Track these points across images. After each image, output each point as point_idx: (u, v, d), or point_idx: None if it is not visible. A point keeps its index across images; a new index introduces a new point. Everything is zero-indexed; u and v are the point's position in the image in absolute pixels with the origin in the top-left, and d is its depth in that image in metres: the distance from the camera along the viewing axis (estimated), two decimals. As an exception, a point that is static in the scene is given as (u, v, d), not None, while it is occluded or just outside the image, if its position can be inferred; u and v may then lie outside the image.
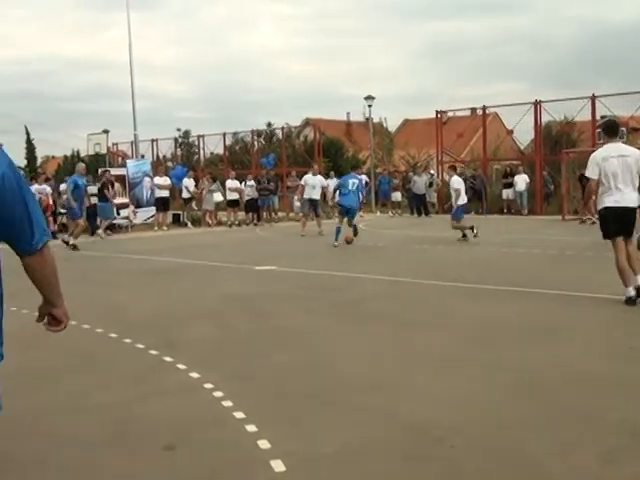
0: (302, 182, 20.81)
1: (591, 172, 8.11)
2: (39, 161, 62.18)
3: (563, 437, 4.06)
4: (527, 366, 5.56)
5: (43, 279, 2.69)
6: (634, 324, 7.11)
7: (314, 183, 19.99)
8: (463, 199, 16.67)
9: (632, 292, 7.82)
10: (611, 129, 8.57)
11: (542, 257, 12.91)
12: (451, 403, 4.72)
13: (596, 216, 10.21)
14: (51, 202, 21.25)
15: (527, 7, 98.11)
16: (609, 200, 8.00)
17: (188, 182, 25.15)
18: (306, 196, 19.96)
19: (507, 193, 26.83)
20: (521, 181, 26.29)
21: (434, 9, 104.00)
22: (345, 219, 16.39)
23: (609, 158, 7.98)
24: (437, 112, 30.62)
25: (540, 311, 7.83)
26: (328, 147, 37.29)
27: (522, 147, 35.32)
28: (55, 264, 2.72)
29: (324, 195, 21.37)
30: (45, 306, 2.81)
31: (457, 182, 16.92)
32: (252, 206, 24.92)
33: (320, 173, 28.56)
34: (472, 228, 16.18)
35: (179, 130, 47.58)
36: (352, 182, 16.79)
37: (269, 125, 45.29)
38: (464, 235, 16.43)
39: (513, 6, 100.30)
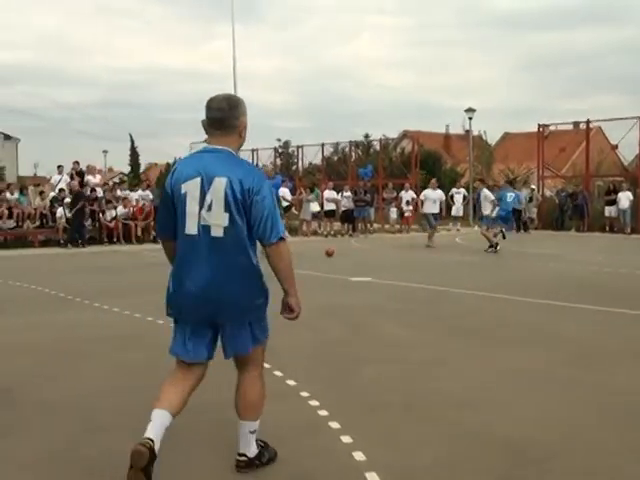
0: (422, 197, 21.01)
1: None
2: (142, 168, 64.10)
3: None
4: (628, 390, 5.41)
5: (276, 268, 3.69)
6: None
7: (435, 197, 20.20)
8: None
9: None
10: None
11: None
12: (548, 424, 4.63)
13: None
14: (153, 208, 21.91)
15: (633, 17, 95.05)
16: None
17: (284, 191, 25.31)
18: (427, 211, 20.14)
19: (610, 210, 26.04)
20: (624, 198, 25.48)
21: (535, 20, 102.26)
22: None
23: None
24: (539, 125, 30.06)
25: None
26: (425, 159, 37.07)
27: (626, 163, 34.27)
28: (290, 260, 3.69)
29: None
30: (284, 296, 3.76)
31: (489, 195, 18.25)
32: (348, 217, 25.07)
33: (416, 186, 28.60)
34: (496, 245, 17.34)
35: (279, 140, 48.34)
36: (509, 195, 18.85)
37: (367, 136, 45.48)
38: (492, 245, 17.39)
39: (618, 17, 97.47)
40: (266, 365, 6.06)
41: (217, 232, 3.55)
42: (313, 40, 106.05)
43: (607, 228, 26.27)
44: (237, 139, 3.72)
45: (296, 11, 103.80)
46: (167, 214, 3.70)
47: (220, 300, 3.58)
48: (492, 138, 49.62)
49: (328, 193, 25.07)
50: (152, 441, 3.41)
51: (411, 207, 26.71)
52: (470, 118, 31.50)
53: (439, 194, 20.69)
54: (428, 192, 20.54)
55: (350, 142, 39.52)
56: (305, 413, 4.84)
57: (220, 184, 3.52)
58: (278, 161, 43.61)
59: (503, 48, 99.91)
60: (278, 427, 4.54)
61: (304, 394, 5.23)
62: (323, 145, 38.02)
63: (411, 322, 8.26)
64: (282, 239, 3.63)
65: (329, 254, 16.46)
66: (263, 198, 3.54)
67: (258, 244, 3.68)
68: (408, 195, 26.74)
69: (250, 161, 38.84)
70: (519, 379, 5.77)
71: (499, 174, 35.68)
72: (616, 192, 26.17)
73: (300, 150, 40.25)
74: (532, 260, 15.75)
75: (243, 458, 3.82)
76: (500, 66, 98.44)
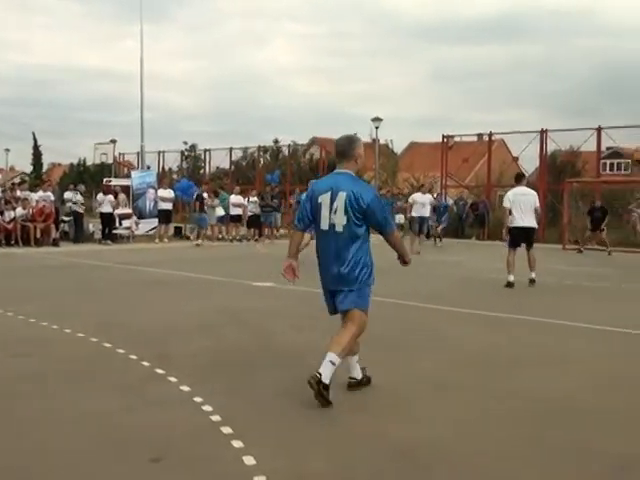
0: (410, 200, 21.00)
1: (505, 204, 12.54)
2: (45, 168, 62.33)
3: (552, 467, 4.04)
4: (523, 394, 5.55)
5: (394, 246, 5.46)
6: (633, 355, 7.08)
7: (424, 201, 20.26)
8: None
9: (511, 278, 12.17)
10: (518, 178, 13.07)
11: (541, 286, 12.89)
12: (447, 427, 4.70)
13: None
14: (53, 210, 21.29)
15: (539, 36, 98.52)
16: (516, 222, 12.21)
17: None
18: (415, 214, 20.19)
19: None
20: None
21: (446, 33, 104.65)
22: None
23: (517, 195, 12.27)
24: (444, 136, 30.74)
25: (542, 340, 7.82)
26: (333, 166, 37.19)
27: (527, 175, 35.35)
28: (400, 239, 5.71)
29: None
30: (399, 257, 5.57)
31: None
32: (254, 222, 24.95)
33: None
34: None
35: (186, 143, 47.71)
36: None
37: (276, 142, 45.49)
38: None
39: (525, 34, 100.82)
40: (160, 371, 6.00)
41: (339, 228, 5.18)
42: (225, 44, 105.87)
43: (507, 237, 26.98)
44: (354, 165, 5.32)
45: (209, 13, 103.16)
46: (305, 215, 5.41)
47: (341, 274, 5.28)
48: (399, 147, 50.49)
49: (234, 198, 24.90)
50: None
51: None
52: (377, 127, 31.91)
53: (428, 197, 20.84)
54: (417, 196, 20.77)
55: (259, 147, 39.47)
56: (197, 419, 4.76)
57: (343, 196, 5.14)
58: (184, 164, 43.14)
59: (413, 59, 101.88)
60: (170, 433, 4.46)
61: (197, 399, 5.15)
62: (231, 149, 37.87)
63: (311, 328, 8.25)
64: (394, 230, 5.46)
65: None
66: (374, 208, 5.18)
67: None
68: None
69: (156, 163, 38.28)
70: (419, 385, 5.85)
71: (404, 182, 36.26)
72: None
73: (208, 154, 39.96)
74: (436, 267, 16.02)
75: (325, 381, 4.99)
76: (409, 76, 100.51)
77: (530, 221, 12.29)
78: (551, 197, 27.85)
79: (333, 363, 5.01)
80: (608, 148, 43.31)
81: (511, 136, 31.80)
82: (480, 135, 35.68)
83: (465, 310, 9.62)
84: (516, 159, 32.07)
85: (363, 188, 5.23)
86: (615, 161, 50.06)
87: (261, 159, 41.01)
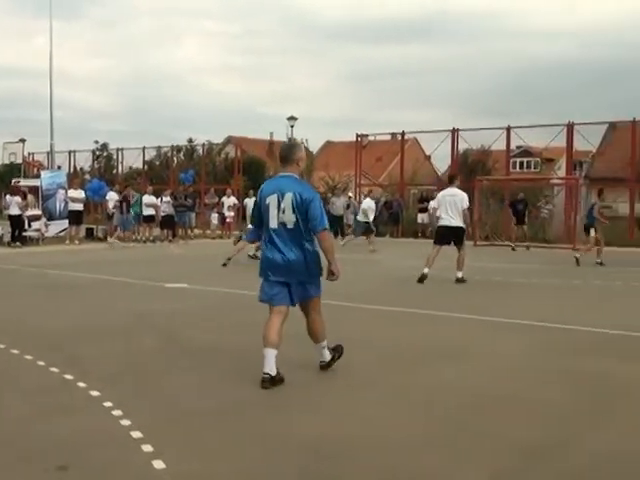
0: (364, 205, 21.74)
1: (432, 204, 12.61)
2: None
3: (458, 456, 4.15)
4: (437, 387, 5.68)
5: (322, 247, 5.73)
6: (544, 349, 7.31)
7: (370, 205, 21.33)
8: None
9: (425, 270, 12.57)
10: (450, 179, 13.93)
11: (450, 281, 13.19)
12: (355, 425, 4.76)
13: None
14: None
15: (451, 37, 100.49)
16: (442, 221, 12.92)
17: (112, 195, 24.34)
18: (362, 219, 21.27)
19: (422, 217, 27.29)
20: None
21: (360, 33, 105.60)
22: None
23: (446, 196, 12.97)
24: (357, 135, 31.04)
25: (451, 334, 8.00)
26: (249, 165, 37.24)
27: (440, 173, 36.09)
28: (332, 241, 5.98)
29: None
30: (328, 265, 5.72)
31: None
32: (168, 222, 24.63)
33: (238, 192, 28.69)
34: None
35: (97, 142, 46.65)
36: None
37: (190, 141, 45.00)
38: None
39: (438, 35, 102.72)
40: (69, 377, 5.88)
41: (290, 225, 5.63)
42: (139, 41, 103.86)
43: (420, 234, 27.48)
44: (297, 167, 5.82)
45: (123, 11, 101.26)
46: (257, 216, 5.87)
47: (291, 266, 5.65)
48: (314, 146, 50.74)
49: (147, 198, 24.51)
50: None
51: (232, 213, 26.77)
52: (292, 126, 32.05)
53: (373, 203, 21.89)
54: (367, 201, 21.82)
55: (172, 146, 39.04)
56: (106, 424, 4.69)
57: (289, 197, 5.60)
58: (96, 164, 42.31)
59: (326, 58, 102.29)
60: (78, 439, 4.38)
61: (107, 404, 5.08)
62: (144, 149, 37.32)
63: (222, 328, 8.24)
64: (325, 229, 5.68)
65: None
66: (314, 203, 5.63)
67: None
68: (230, 201, 26.78)
69: (67, 163, 37.39)
70: (329, 380, 5.91)
71: (319, 181, 36.46)
72: (428, 200, 27.43)
73: (120, 153, 39.30)
74: (350, 265, 16.16)
75: (323, 363, 6.06)
76: (323, 76, 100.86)
77: (456, 221, 12.72)
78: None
79: (324, 347, 6.04)
80: (518, 147, 44.61)
81: (424, 135, 32.40)
82: (394, 134, 36.20)
83: (379, 307, 9.77)
84: (428, 158, 32.65)
85: (305, 188, 5.74)
86: (525, 159, 51.55)
87: (175, 158, 40.55)
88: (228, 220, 26.93)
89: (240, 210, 23.81)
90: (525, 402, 5.37)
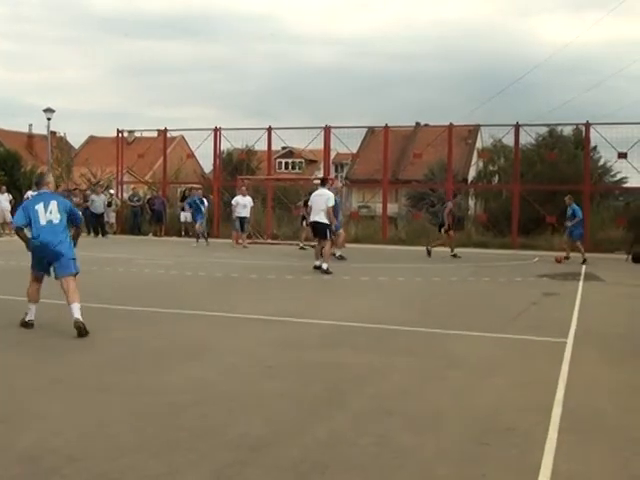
0: (234, 202, 22.86)
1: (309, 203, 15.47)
2: None
3: (180, 458, 4.13)
4: (164, 389, 5.62)
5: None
6: (273, 344, 7.49)
7: (245, 203, 22.47)
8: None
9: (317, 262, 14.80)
10: (322, 181, 16.15)
11: (205, 279, 13.23)
12: (77, 431, 4.60)
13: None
14: None
15: (222, 37, 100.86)
16: (311, 217, 14.99)
17: None
18: (237, 215, 22.51)
19: (185, 216, 26.82)
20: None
21: (129, 27, 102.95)
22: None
23: (315, 196, 15.06)
24: (118, 130, 30.22)
25: (187, 332, 7.99)
26: (5, 160, 35.03)
27: (208, 171, 36.07)
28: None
29: None
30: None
31: None
32: None
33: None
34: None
35: None
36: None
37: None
38: None
39: (209, 34, 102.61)
40: None
41: (56, 221, 7.84)
42: None
43: (183, 232, 27.22)
44: (49, 187, 8.26)
45: None
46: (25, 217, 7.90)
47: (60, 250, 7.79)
48: (78, 142, 48.86)
49: None
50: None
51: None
52: (49, 118, 30.56)
53: (249, 200, 22.72)
54: (239, 198, 22.62)
55: None
56: None
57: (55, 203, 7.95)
58: None
59: (97, 51, 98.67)
60: None
61: None
62: None
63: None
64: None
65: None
66: (74, 210, 8.29)
67: None
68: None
69: None
70: (58, 389, 5.68)
71: (80, 177, 35.13)
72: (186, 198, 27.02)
73: None
74: (103, 265, 15.70)
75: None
76: (92, 68, 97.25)
77: (320, 217, 14.67)
78: (228, 194, 28.59)
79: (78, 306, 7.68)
80: (284, 148, 45.78)
81: (191, 133, 32.18)
82: (160, 131, 35.61)
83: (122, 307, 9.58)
84: (190, 156, 32.56)
85: (62, 199, 8.43)
86: (290, 160, 53.04)
87: None
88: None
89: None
90: (253, 396, 5.49)
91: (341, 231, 17.99)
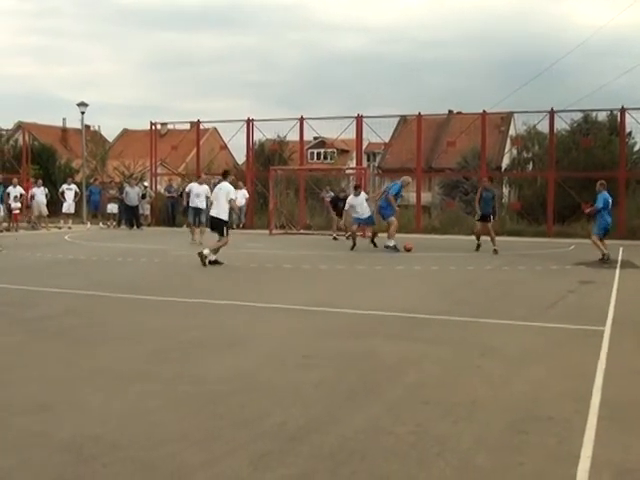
0: (187, 189, 20.99)
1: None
2: None
3: (218, 447, 4.17)
4: (203, 378, 5.68)
5: None
6: (307, 334, 7.53)
7: (199, 192, 19.79)
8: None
9: (206, 252, 13.78)
10: (224, 174, 15.28)
11: (240, 270, 13.30)
12: (117, 420, 4.67)
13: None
14: None
15: (252, 27, 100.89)
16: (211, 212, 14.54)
17: None
18: (192, 205, 19.94)
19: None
20: (240, 196, 26.77)
21: (159, 20, 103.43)
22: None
23: (216, 189, 14.55)
24: (151, 123, 30.42)
25: (223, 322, 8.05)
26: (40, 153, 35.52)
27: (240, 162, 36.19)
28: None
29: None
30: None
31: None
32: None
33: (28, 180, 27.33)
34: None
35: None
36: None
37: (-24, 127, 42.02)
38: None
39: (239, 25, 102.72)
40: None
41: None
42: None
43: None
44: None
45: None
46: None
47: None
48: (112, 134, 49.30)
49: None
50: None
51: (19, 204, 25.43)
52: (83, 112, 30.86)
53: (204, 189, 19.90)
54: (194, 185, 20.54)
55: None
56: None
57: None
58: None
59: (128, 44, 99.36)
60: None
61: None
62: None
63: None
64: None
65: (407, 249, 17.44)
66: None
67: None
68: (16, 191, 25.42)
69: None
70: (102, 378, 5.75)
71: (114, 170, 35.47)
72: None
73: None
74: (138, 257, 15.86)
75: None
76: (123, 62, 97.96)
77: (217, 212, 14.20)
78: (261, 185, 28.69)
79: None
80: (315, 138, 45.74)
81: (223, 125, 32.26)
82: (193, 123, 35.82)
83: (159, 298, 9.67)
84: (224, 147, 32.65)
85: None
86: (322, 150, 52.98)
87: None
88: (15, 212, 25.51)
89: (26, 200, 22.68)
90: (290, 385, 5.52)
91: (393, 219, 17.91)
